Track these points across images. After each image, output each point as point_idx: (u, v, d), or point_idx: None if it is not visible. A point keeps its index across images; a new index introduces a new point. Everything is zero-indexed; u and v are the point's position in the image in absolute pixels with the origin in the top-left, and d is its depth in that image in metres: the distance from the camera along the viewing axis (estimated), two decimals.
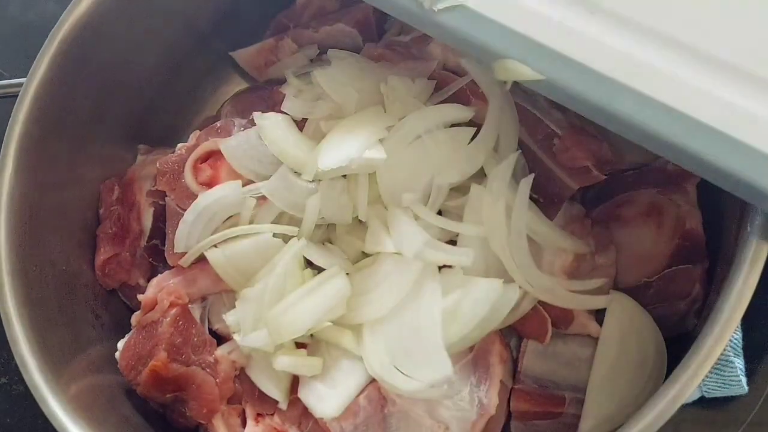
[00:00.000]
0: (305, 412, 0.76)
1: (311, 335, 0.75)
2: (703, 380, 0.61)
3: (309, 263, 0.77)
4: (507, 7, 0.62)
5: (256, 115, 0.80)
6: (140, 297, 0.81)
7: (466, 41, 0.64)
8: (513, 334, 0.78)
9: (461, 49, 0.67)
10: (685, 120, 0.57)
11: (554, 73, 0.61)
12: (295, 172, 0.78)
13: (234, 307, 0.78)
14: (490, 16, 0.63)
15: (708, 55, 0.59)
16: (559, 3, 0.62)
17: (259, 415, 0.79)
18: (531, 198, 0.74)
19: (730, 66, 0.58)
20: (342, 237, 0.79)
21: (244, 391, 0.80)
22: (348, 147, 0.73)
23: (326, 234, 0.81)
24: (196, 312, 0.81)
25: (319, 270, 0.76)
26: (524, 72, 0.61)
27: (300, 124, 0.82)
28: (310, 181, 0.76)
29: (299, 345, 0.77)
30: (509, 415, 0.75)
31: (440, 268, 0.74)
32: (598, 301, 0.73)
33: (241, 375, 0.80)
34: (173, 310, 0.79)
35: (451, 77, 0.80)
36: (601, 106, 0.60)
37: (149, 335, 0.79)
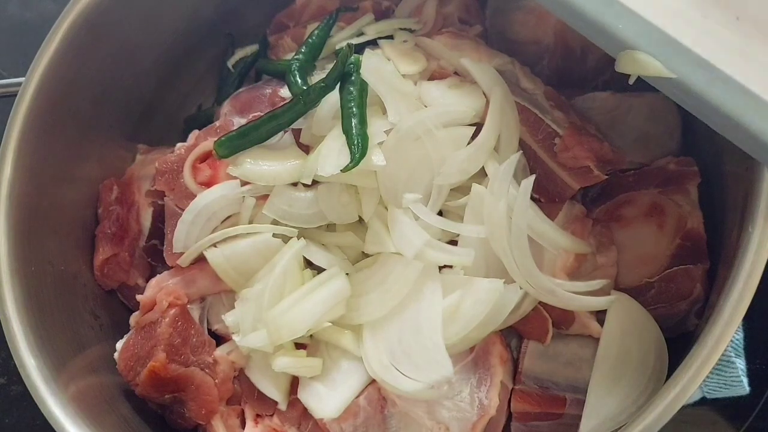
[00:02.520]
0: (305, 413, 0.76)
1: (311, 336, 0.75)
2: (705, 381, 0.61)
3: (309, 263, 0.77)
4: None
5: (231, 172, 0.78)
6: (139, 297, 0.81)
7: (596, 25, 0.59)
8: (514, 335, 0.78)
9: (589, 35, 0.61)
10: None
11: (686, 74, 0.55)
12: (292, 184, 0.77)
13: (233, 307, 0.77)
14: (625, 3, 0.57)
15: None
16: (703, 2, 0.57)
17: (258, 415, 0.79)
18: (532, 198, 0.73)
19: None
20: (342, 236, 0.78)
21: (243, 392, 0.80)
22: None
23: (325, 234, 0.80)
24: (195, 312, 0.81)
25: (319, 270, 0.76)
26: (655, 67, 0.56)
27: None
28: (308, 186, 0.76)
29: (299, 346, 0.76)
30: (509, 416, 0.75)
31: (441, 268, 0.74)
32: (599, 302, 0.73)
33: (241, 376, 0.80)
34: (172, 311, 0.78)
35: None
36: (736, 120, 0.55)
37: (148, 336, 0.78)
